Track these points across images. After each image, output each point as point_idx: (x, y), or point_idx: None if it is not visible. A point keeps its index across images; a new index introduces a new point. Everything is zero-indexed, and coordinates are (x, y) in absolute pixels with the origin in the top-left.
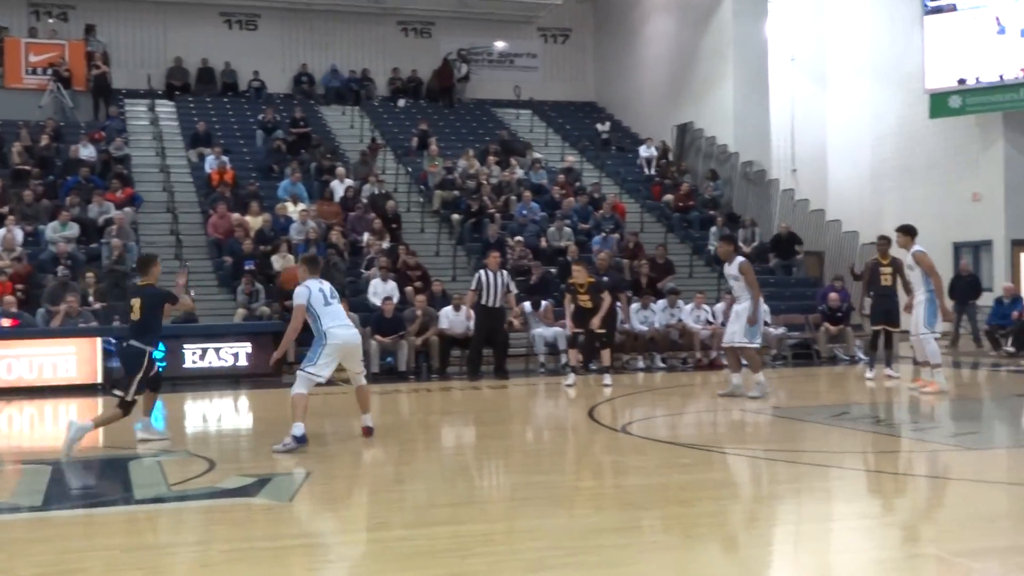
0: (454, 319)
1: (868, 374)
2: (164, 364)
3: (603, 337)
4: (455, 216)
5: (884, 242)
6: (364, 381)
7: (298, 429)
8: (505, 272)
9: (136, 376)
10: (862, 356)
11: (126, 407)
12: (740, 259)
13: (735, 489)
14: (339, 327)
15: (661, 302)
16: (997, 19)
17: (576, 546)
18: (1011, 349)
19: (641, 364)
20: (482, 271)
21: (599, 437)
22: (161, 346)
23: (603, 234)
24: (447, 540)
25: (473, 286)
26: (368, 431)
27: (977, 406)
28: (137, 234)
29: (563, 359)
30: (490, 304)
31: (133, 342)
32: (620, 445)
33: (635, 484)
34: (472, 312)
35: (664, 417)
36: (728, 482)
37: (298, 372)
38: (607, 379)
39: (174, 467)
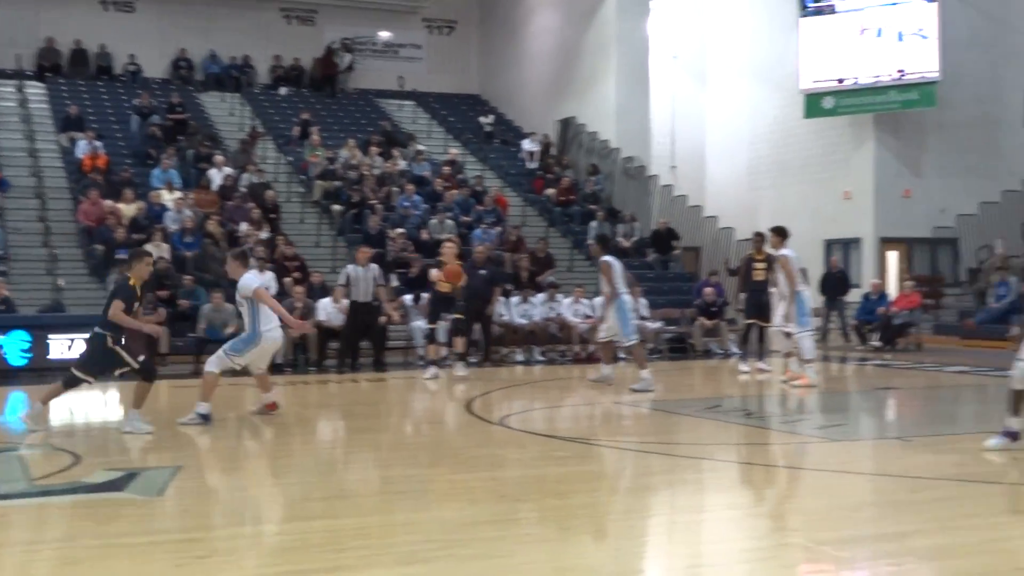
0: (332, 311)
1: (742, 367)
2: (31, 355)
3: (458, 323)
4: (336, 207)
5: (759, 238)
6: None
7: (203, 407)
8: (375, 266)
9: (89, 359)
10: (735, 350)
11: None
12: (602, 258)
13: (610, 481)
14: (274, 329)
15: (541, 296)
16: (870, 24)
17: (451, 539)
18: (877, 344)
19: (520, 357)
20: (351, 266)
21: (476, 430)
22: (25, 335)
23: (484, 227)
24: (321, 534)
25: (342, 281)
26: (274, 405)
27: (844, 399)
28: (3, 220)
29: (443, 351)
30: (360, 299)
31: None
32: (497, 438)
33: (511, 477)
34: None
35: (542, 410)
36: (603, 474)
37: (220, 353)
38: (459, 369)
39: (37, 461)
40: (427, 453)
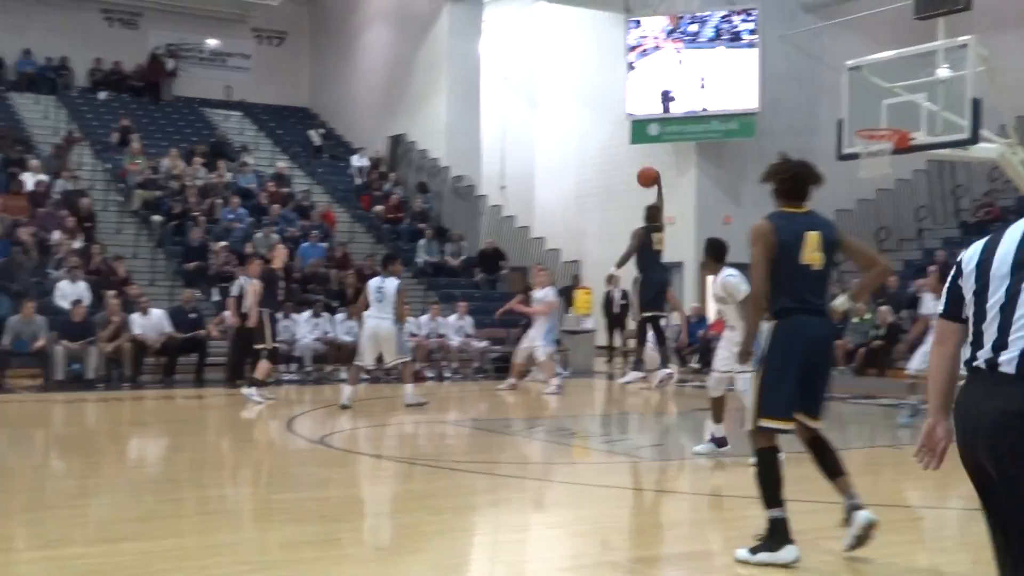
0: (147, 325)
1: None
2: None
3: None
4: (156, 217)
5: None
6: None
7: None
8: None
9: None
10: (560, 370)
11: None
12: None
13: (433, 500)
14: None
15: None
16: (695, 57)
17: (269, 560)
18: (697, 366)
19: (344, 375)
20: (242, 278)
21: (297, 449)
22: None
23: (311, 242)
24: (132, 556)
25: (235, 292)
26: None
27: (664, 420)
28: None
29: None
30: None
31: None
32: (319, 457)
33: (332, 496)
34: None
35: (365, 429)
36: (426, 493)
37: None
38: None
39: None
40: (246, 472)
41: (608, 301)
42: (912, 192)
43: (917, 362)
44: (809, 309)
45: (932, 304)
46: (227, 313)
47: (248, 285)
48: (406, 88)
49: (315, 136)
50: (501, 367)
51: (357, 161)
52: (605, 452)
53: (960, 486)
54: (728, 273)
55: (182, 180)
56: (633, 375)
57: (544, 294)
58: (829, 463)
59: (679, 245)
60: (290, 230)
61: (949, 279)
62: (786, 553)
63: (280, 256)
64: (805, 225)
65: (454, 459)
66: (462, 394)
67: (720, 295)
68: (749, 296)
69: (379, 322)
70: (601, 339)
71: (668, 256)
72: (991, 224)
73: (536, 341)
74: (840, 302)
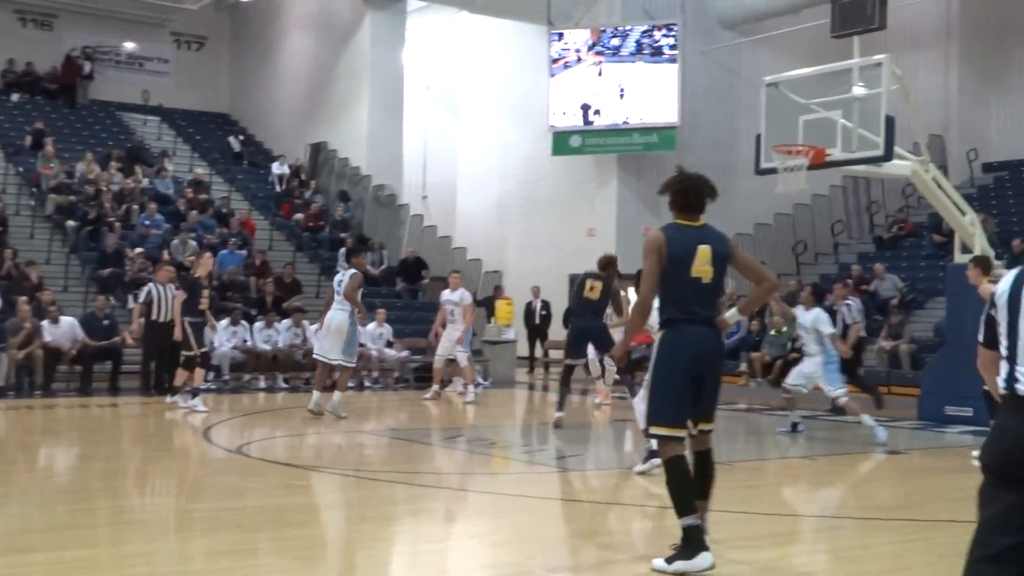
0: (57, 332)
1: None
2: None
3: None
4: (70, 223)
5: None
6: None
7: None
8: (173, 286)
9: None
10: (481, 380)
11: None
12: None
13: (352, 510)
14: None
15: (286, 321)
16: (617, 72)
17: (185, 570)
18: (617, 377)
19: (263, 384)
20: (152, 284)
21: (214, 458)
22: None
23: (229, 249)
24: (43, 568)
25: (142, 299)
26: None
27: (584, 431)
28: None
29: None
30: (161, 319)
31: None
32: (235, 466)
33: (249, 506)
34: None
35: (284, 438)
36: (345, 503)
37: None
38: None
39: None
40: (161, 482)
41: (529, 312)
42: (829, 207)
43: (792, 378)
44: (696, 320)
45: (803, 316)
46: (138, 320)
47: (156, 292)
48: (328, 96)
49: (235, 143)
50: (422, 377)
51: (277, 168)
52: (525, 462)
53: (875, 497)
54: None
55: (97, 185)
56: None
57: (460, 296)
58: (703, 482)
59: (599, 256)
60: (208, 237)
61: (985, 310)
62: (700, 560)
63: (205, 265)
64: (697, 239)
65: (373, 469)
66: (382, 404)
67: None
68: (635, 304)
69: (335, 313)
70: (523, 349)
71: (589, 267)
72: (904, 240)
73: (455, 346)
74: (730, 315)
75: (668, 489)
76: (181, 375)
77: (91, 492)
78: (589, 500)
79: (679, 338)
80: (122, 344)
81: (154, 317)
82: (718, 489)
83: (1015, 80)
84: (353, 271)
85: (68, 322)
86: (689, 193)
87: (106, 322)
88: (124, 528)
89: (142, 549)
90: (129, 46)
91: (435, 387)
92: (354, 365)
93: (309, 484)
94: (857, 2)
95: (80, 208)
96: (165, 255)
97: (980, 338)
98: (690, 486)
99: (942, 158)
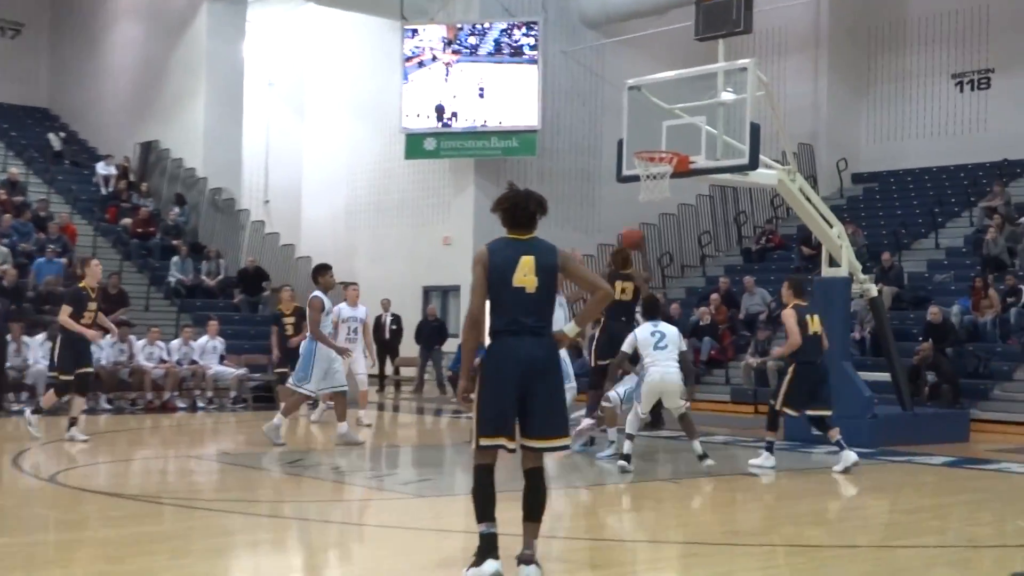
0: None
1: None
2: None
3: None
4: None
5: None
6: None
7: None
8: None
9: None
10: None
11: None
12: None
13: (179, 543)
14: None
15: (109, 337)
16: (474, 72)
17: None
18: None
19: (84, 405)
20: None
21: (22, 487)
22: None
23: (47, 257)
24: None
25: None
26: None
27: (435, 453)
28: None
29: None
30: None
31: None
32: (46, 497)
33: (58, 540)
34: None
35: (105, 465)
36: (172, 535)
37: None
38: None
39: None
40: None
41: (379, 326)
42: (695, 217)
43: (614, 393)
44: (521, 331)
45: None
46: None
47: None
48: (160, 91)
49: (55, 140)
50: (261, 396)
51: (103, 169)
52: (371, 488)
53: (737, 521)
54: None
55: None
56: (586, 423)
57: (364, 312)
58: (530, 503)
59: (455, 267)
60: (23, 244)
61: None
62: (487, 567)
63: (93, 274)
64: (522, 250)
65: (206, 497)
66: (217, 426)
67: None
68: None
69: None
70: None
71: (444, 278)
72: (773, 252)
73: (360, 368)
74: (569, 328)
75: (471, 495)
76: (78, 404)
77: None
78: (439, 528)
79: (504, 348)
80: None
81: None
82: (568, 515)
83: (884, 88)
84: (315, 294)
85: None
86: (516, 210)
87: None
88: None
89: None
90: None
91: (361, 414)
92: (305, 392)
93: (131, 514)
94: (722, 5)
95: None
96: None
97: None
98: (490, 495)
99: (812, 167)
